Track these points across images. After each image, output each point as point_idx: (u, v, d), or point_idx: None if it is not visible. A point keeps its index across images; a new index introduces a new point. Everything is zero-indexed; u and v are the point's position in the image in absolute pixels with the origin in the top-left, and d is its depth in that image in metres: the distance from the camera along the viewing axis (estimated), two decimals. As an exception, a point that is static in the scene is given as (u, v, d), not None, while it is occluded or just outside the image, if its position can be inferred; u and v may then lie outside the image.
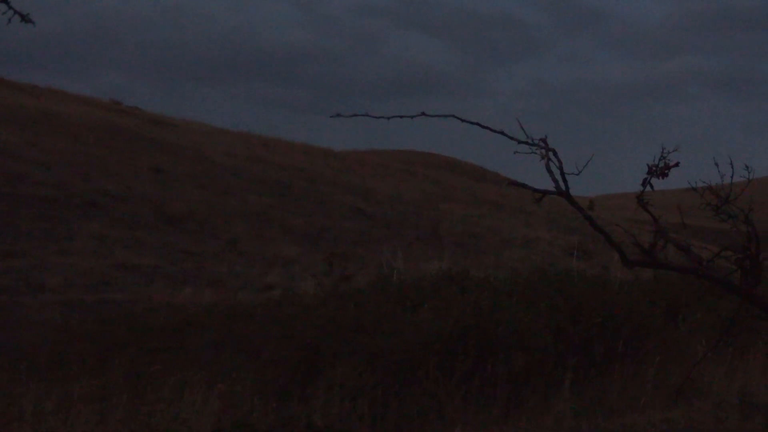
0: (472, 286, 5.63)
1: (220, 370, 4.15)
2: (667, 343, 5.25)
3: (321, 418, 3.75)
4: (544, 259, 12.61)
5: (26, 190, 9.45)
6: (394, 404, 4.14)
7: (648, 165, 2.56)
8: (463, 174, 32.97)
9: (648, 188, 2.59)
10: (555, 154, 2.69)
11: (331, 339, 4.46)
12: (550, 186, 2.64)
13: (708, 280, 2.55)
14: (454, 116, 2.67)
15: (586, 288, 5.58)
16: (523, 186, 2.77)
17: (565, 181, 2.63)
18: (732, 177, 2.52)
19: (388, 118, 2.56)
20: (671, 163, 2.54)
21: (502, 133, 2.66)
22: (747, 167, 2.51)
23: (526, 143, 2.65)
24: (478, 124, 2.70)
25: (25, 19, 2.17)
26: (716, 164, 2.57)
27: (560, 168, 2.59)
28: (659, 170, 2.56)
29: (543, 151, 2.64)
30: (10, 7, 2.13)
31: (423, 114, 2.59)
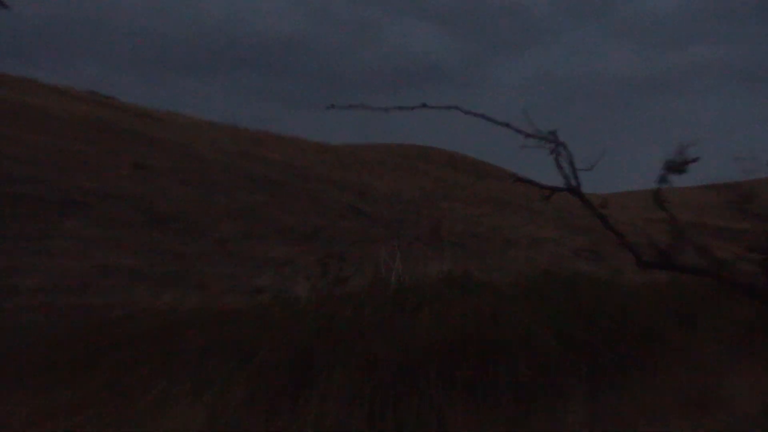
0: (475, 290, 5.62)
1: (206, 379, 4.13)
2: (685, 351, 5.24)
3: (314, 430, 3.73)
4: (552, 260, 12.61)
5: (-1, 187, 9.41)
6: (391, 415, 4.12)
7: (665, 160, 2.54)
8: (465, 170, 33.01)
9: (665, 185, 2.58)
10: (565, 147, 2.68)
11: (326, 345, 4.44)
12: (559, 182, 2.62)
13: (729, 283, 2.54)
14: (456, 108, 2.66)
15: (597, 292, 5.56)
16: (530, 182, 2.76)
17: (576, 176, 2.62)
18: (754, 173, 2.51)
19: (387, 110, 2.54)
20: (690, 159, 2.53)
21: (507, 125, 2.65)
22: (771, 163, 2.51)
23: (534, 136, 2.64)
24: (482, 115, 2.69)
25: (1, 4, 2.13)
26: (736, 159, 2.57)
27: (571, 163, 2.58)
28: (677, 166, 2.55)
29: (552, 144, 2.63)
30: None
31: (424, 105, 2.57)
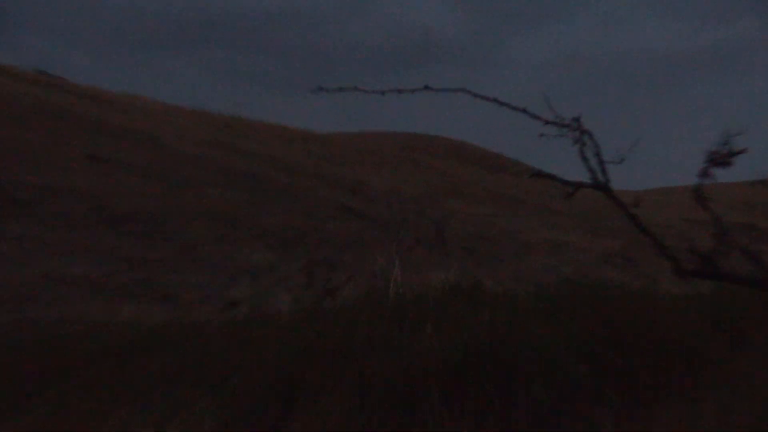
0: (487, 302, 5.63)
1: (172, 407, 4.12)
2: (734, 375, 5.24)
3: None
4: (576, 268, 12.64)
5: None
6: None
7: (707, 152, 2.54)
8: (474, 163, 33.08)
9: (707, 180, 2.58)
10: (591, 137, 2.68)
11: (312, 368, 4.44)
12: (583, 177, 2.62)
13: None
14: (464, 91, 2.65)
15: (629, 305, 5.57)
16: (551, 177, 2.76)
17: (603, 170, 2.62)
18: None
19: (383, 93, 2.53)
20: (736, 150, 2.53)
21: (524, 111, 2.65)
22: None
23: (555, 124, 2.64)
24: (494, 99, 2.69)
25: None
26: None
27: (597, 154, 2.58)
28: (721, 158, 2.54)
29: (576, 133, 2.63)
30: None
31: (426, 88, 2.57)
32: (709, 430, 4.56)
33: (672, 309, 5.78)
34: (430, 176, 20.99)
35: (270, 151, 18.49)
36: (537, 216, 17.57)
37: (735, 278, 2.47)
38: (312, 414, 4.08)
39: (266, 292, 8.53)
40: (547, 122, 2.50)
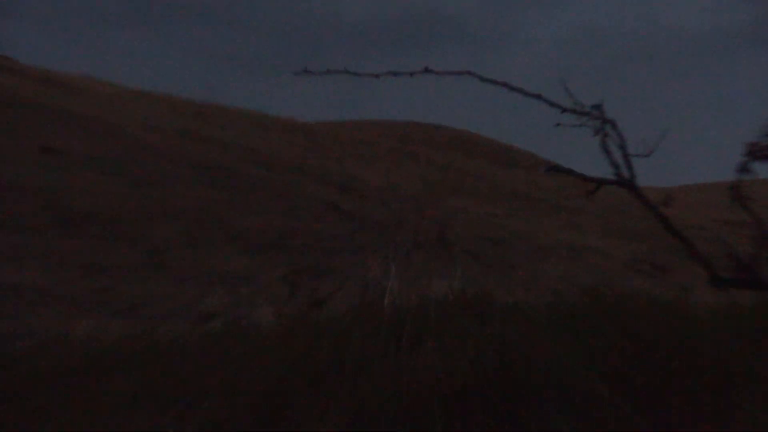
0: (495, 315, 5.63)
1: (137, 434, 4.13)
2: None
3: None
4: (598, 276, 12.66)
5: None
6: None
7: (747, 144, 2.56)
8: (481, 156, 33.11)
9: (747, 176, 2.60)
10: (614, 126, 2.69)
11: (297, 389, 4.44)
12: (606, 172, 2.64)
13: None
14: (470, 74, 2.66)
15: (658, 318, 5.59)
16: (569, 172, 2.78)
17: (628, 165, 2.63)
18: None
19: (378, 77, 2.53)
20: (780, 142, 2.54)
21: (539, 97, 2.66)
22: None
23: (573, 112, 2.65)
24: (504, 84, 2.70)
25: None
26: None
27: (622, 147, 2.59)
28: (763, 151, 2.56)
29: (597, 122, 2.64)
30: None
31: (427, 70, 2.57)
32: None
33: (707, 322, 5.80)
34: (431, 171, 21.02)
35: (248, 142, 18.50)
36: (553, 216, 17.61)
37: (778, 288, 2.48)
38: (296, 442, 4.09)
39: (244, 304, 8.53)
40: (564, 110, 2.50)
